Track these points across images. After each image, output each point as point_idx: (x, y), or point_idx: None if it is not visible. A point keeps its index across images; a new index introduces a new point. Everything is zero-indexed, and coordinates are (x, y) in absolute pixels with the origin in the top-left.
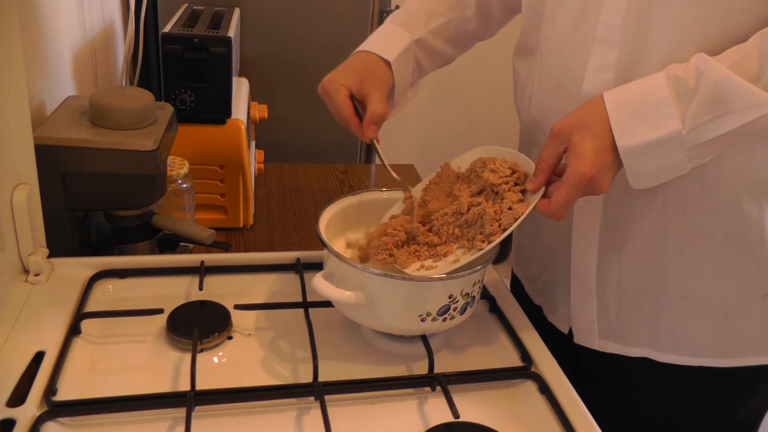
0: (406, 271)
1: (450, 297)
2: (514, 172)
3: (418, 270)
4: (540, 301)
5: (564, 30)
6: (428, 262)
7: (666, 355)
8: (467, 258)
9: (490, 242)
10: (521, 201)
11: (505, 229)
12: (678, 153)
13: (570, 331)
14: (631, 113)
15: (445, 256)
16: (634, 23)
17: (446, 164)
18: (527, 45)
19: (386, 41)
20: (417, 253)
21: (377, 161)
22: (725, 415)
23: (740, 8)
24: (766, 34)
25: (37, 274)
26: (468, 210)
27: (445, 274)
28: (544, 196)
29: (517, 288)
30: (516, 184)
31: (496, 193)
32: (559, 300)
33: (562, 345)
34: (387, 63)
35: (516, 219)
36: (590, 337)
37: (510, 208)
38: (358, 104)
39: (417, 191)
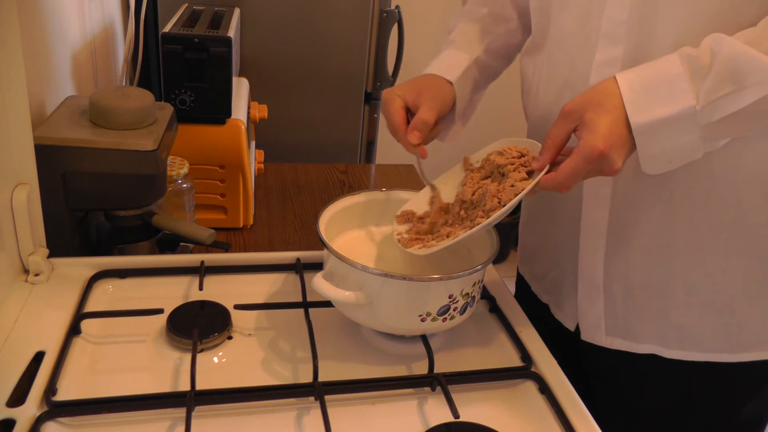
0: (408, 250)
1: (450, 297)
2: (522, 156)
3: (419, 249)
4: (547, 299)
5: (569, 27)
6: (431, 242)
7: (673, 351)
8: (463, 234)
9: (489, 217)
10: (525, 180)
11: (504, 204)
12: (691, 132)
13: (576, 328)
14: (645, 90)
15: (447, 236)
16: (640, 18)
17: (465, 158)
18: (535, 44)
19: (448, 64)
20: (422, 239)
21: (376, 162)
22: (732, 411)
23: None
24: None
25: (37, 274)
26: (473, 194)
27: (441, 249)
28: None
29: (523, 287)
30: (523, 167)
31: (503, 174)
32: (565, 297)
33: (569, 343)
34: (449, 84)
35: (516, 195)
36: (597, 333)
37: (512, 186)
38: (412, 117)
39: (439, 183)
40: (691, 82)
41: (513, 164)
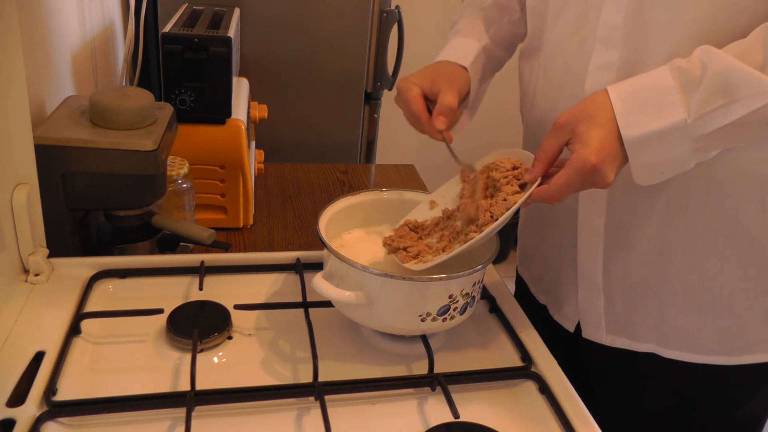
0: (404, 265)
1: (450, 297)
2: (516, 168)
3: (415, 264)
4: (545, 300)
5: (565, 31)
6: (428, 257)
7: (672, 351)
8: (457, 249)
9: (481, 232)
10: (517, 193)
11: (496, 219)
12: (683, 144)
13: (575, 329)
14: (636, 103)
15: (443, 250)
16: (635, 22)
17: (462, 170)
18: (532, 47)
19: (459, 50)
20: (419, 255)
21: (376, 161)
22: (732, 410)
23: (740, 5)
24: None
25: (37, 274)
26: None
27: (436, 265)
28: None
29: (522, 288)
30: (516, 179)
31: (498, 189)
32: (564, 298)
33: (567, 344)
34: (463, 69)
35: (508, 209)
36: (598, 331)
37: (505, 200)
38: (430, 104)
39: (437, 197)
40: (682, 95)
41: (506, 177)
